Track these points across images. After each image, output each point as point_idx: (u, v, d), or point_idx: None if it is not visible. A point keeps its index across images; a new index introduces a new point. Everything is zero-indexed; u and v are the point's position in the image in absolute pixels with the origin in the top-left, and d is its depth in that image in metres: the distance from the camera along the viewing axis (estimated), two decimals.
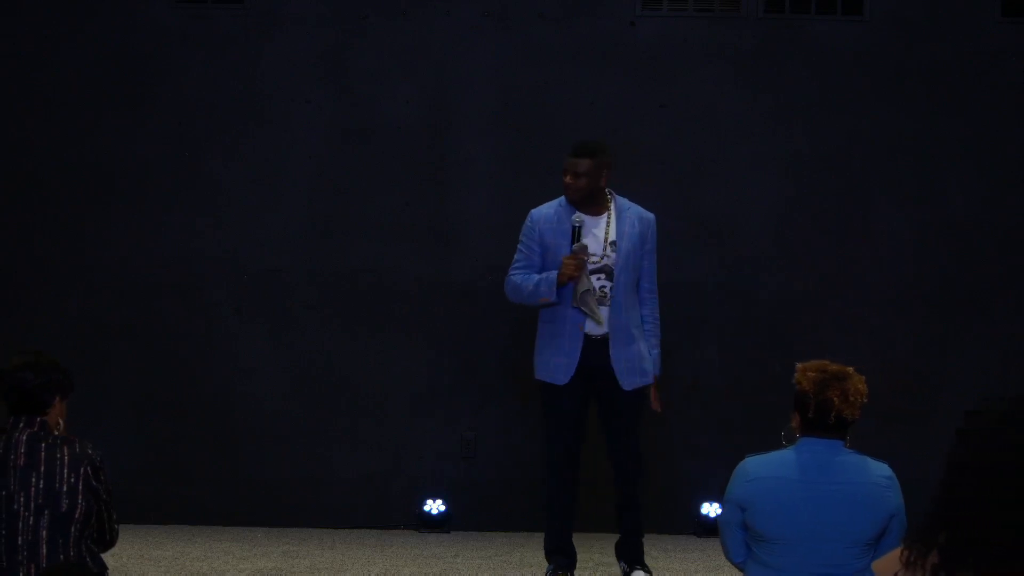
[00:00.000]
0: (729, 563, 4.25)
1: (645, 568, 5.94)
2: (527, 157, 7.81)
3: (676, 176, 7.86)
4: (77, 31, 7.88)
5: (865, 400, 4.04)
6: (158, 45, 7.89)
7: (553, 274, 5.79)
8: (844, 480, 4.00)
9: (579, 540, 6.09)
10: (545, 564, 6.04)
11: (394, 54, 7.89)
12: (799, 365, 4.09)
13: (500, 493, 7.74)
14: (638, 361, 5.85)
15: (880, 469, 4.07)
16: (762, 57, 7.88)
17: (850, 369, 4.07)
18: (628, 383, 5.83)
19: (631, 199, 6.07)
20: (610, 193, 5.96)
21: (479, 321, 7.80)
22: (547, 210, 5.95)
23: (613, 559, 6.10)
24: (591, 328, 5.81)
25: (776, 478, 4.04)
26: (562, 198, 5.96)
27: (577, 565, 6.04)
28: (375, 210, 7.85)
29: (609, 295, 5.82)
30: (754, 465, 4.10)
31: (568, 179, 5.86)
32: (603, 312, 5.80)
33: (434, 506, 7.66)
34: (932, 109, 7.87)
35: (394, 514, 7.77)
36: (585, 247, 5.79)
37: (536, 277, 5.86)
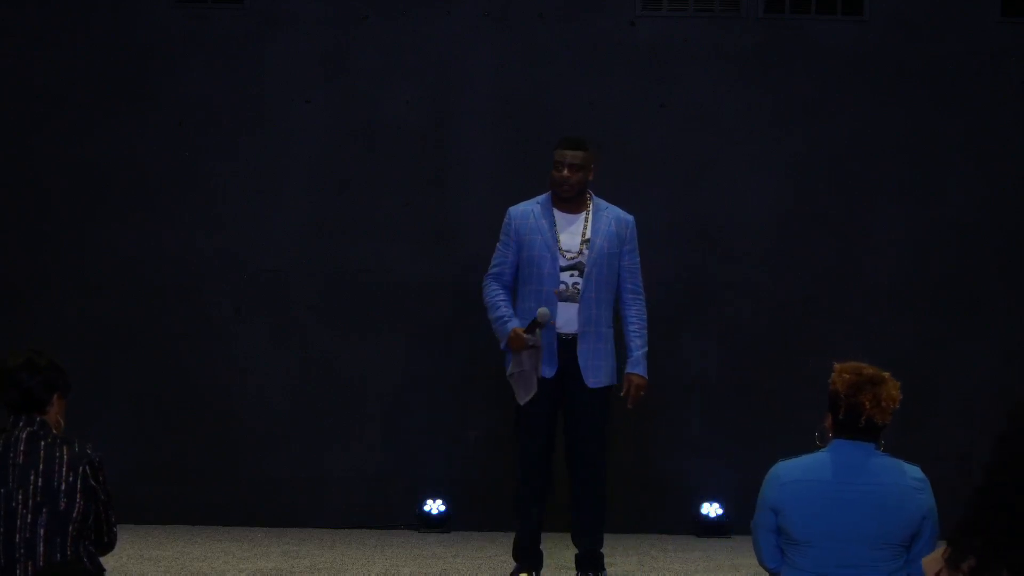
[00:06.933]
0: (763, 568, 4.19)
1: None
2: (527, 157, 7.80)
3: (676, 176, 7.86)
4: (77, 31, 7.87)
5: (896, 406, 4.01)
6: (158, 45, 7.88)
7: (509, 327, 5.81)
8: (876, 482, 3.99)
9: (551, 540, 5.99)
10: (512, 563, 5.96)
11: (394, 54, 7.89)
12: (836, 365, 4.07)
13: (500, 493, 7.71)
14: (605, 360, 5.82)
15: (912, 471, 4.06)
16: (762, 57, 7.88)
17: (886, 374, 4.03)
18: (593, 381, 5.79)
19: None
20: (589, 193, 5.96)
21: (479, 321, 7.77)
22: (525, 207, 5.98)
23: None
24: (562, 326, 5.80)
25: (809, 480, 4.02)
26: (541, 197, 5.97)
27: (544, 565, 5.95)
28: (375, 210, 7.85)
29: (580, 291, 5.80)
30: (786, 469, 4.08)
31: (565, 172, 5.85)
32: (572, 309, 5.80)
33: (434, 506, 7.66)
34: (932, 109, 7.86)
35: (394, 514, 7.76)
36: (537, 338, 5.76)
37: (502, 311, 5.89)
